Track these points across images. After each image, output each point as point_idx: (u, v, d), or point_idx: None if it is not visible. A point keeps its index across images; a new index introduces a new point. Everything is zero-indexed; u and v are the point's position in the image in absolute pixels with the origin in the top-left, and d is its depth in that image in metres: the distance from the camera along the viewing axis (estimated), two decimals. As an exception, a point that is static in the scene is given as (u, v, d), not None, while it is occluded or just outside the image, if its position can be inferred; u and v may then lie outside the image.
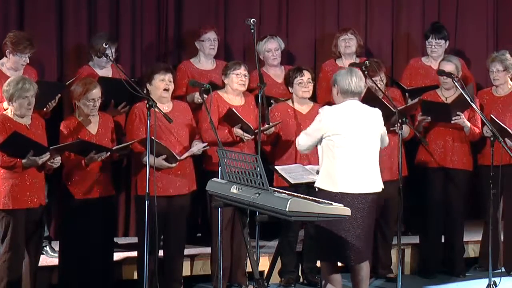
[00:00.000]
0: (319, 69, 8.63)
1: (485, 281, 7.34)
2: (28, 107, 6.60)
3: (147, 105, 6.69)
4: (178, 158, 6.99)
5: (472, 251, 8.47)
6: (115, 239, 7.72)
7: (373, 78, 7.44)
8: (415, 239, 8.30)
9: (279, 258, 7.29)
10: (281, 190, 5.91)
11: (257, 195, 5.69)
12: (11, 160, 6.53)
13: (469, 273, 8.16)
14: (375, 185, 6.41)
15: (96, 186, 6.94)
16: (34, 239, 6.76)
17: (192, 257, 7.70)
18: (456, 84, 7.57)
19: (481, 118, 7.68)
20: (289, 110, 7.60)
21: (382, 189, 6.49)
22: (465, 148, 8.00)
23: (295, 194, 5.76)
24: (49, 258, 7.47)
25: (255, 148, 7.42)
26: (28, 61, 7.21)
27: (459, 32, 9.55)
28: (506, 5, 9.74)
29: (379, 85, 7.54)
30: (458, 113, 7.76)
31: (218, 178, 6.37)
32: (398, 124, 7.15)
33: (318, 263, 6.83)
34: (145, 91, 7.03)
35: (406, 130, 7.60)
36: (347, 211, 5.77)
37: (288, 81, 7.63)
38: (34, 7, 8.05)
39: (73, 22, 8.21)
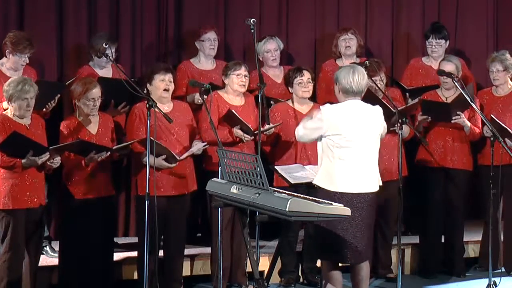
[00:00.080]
0: (319, 69, 8.63)
1: (485, 281, 7.34)
2: (27, 109, 6.60)
3: (147, 105, 6.69)
4: (178, 158, 6.99)
5: (472, 251, 8.47)
6: (115, 239, 7.72)
7: (373, 78, 7.44)
8: (415, 239, 8.30)
9: (279, 258, 7.29)
10: (281, 190, 5.90)
11: (257, 195, 5.69)
12: (11, 160, 6.53)
13: (469, 273, 8.16)
14: (374, 184, 6.40)
15: (96, 186, 6.93)
16: (34, 239, 6.76)
17: (192, 257, 7.70)
18: (456, 84, 7.57)
19: (481, 118, 7.68)
20: (289, 110, 7.60)
21: (381, 186, 6.48)
22: (465, 148, 8.00)
23: (295, 194, 5.75)
24: (49, 258, 7.47)
25: (255, 148, 7.42)
26: (27, 61, 7.20)
27: (459, 32, 9.56)
28: (506, 5, 9.74)
29: (379, 85, 7.54)
30: (458, 112, 7.76)
31: (218, 178, 6.37)
32: (398, 124, 7.16)
33: (318, 263, 6.83)
34: (145, 91, 7.03)
35: (406, 130, 7.60)
36: (347, 211, 5.77)
37: (288, 81, 7.63)
38: (34, 7, 8.05)
39: (73, 22, 8.21)
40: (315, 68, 8.73)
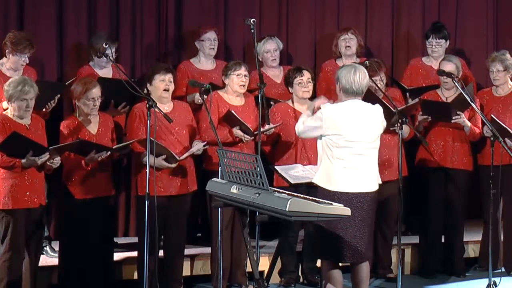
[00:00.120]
0: (319, 69, 8.63)
1: (485, 281, 7.34)
2: (26, 109, 6.60)
3: (147, 105, 6.69)
4: (178, 158, 6.99)
5: (472, 251, 8.47)
6: (115, 239, 7.72)
7: (373, 78, 7.43)
8: (415, 239, 8.30)
9: (279, 258, 7.29)
10: (281, 190, 5.90)
11: (257, 195, 5.69)
12: (11, 160, 6.53)
13: (469, 273, 8.16)
14: (374, 184, 6.40)
15: (96, 186, 6.93)
16: (34, 239, 6.75)
17: (192, 257, 7.70)
18: (456, 84, 7.57)
19: (481, 118, 7.68)
20: (289, 110, 7.60)
21: (381, 186, 6.49)
22: (465, 148, 8.00)
23: (295, 194, 5.75)
24: (49, 258, 7.47)
25: (255, 148, 7.42)
26: (27, 61, 7.20)
27: (459, 32, 9.55)
28: (506, 5, 9.74)
29: (379, 85, 7.54)
30: (458, 112, 7.76)
31: (218, 178, 6.37)
32: (398, 124, 7.16)
33: (318, 263, 6.83)
34: (145, 91, 7.03)
35: (406, 130, 7.60)
36: (347, 211, 5.76)
37: (288, 81, 7.62)
38: (34, 7, 8.06)
39: (73, 22, 8.21)
40: (315, 68, 8.74)
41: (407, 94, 8.36)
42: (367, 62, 7.31)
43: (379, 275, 7.92)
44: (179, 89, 7.80)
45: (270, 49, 8.19)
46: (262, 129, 7.24)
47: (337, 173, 6.28)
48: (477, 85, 8.75)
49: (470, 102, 7.33)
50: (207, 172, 7.36)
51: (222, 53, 8.58)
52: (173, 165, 7.01)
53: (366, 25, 9.30)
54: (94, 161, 6.82)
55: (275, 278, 7.65)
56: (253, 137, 7.35)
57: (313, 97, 7.83)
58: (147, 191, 6.65)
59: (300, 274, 7.80)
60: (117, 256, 7.43)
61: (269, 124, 7.38)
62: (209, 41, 8.08)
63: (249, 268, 7.15)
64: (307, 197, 5.79)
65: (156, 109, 6.73)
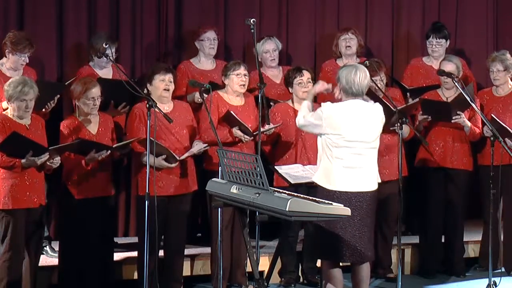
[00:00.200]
0: (319, 69, 8.63)
1: (485, 281, 7.34)
2: (26, 110, 6.60)
3: (147, 105, 6.69)
4: (178, 158, 6.99)
5: (472, 251, 8.47)
6: (115, 239, 7.72)
7: (373, 78, 7.42)
8: (415, 239, 8.29)
9: (279, 258, 7.29)
10: (281, 190, 5.90)
11: (257, 195, 5.69)
12: (11, 160, 6.53)
13: (469, 273, 8.16)
14: (373, 183, 6.40)
15: (96, 186, 6.93)
16: (34, 239, 6.75)
17: (192, 257, 7.69)
18: (456, 84, 7.57)
19: (481, 118, 7.67)
20: (289, 110, 7.60)
21: (381, 186, 6.48)
22: (465, 148, 8.00)
23: (295, 194, 5.75)
24: (49, 258, 7.47)
25: (255, 148, 7.42)
26: (27, 61, 7.20)
27: (459, 32, 9.55)
28: (506, 5, 9.74)
29: (379, 85, 7.54)
30: (458, 112, 7.76)
31: (218, 178, 6.37)
32: (398, 124, 7.16)
33: (318, 263, 6.82)
34: (145, 91, 7.03)
35: (406, 130, 7.59)
36: (347, 211, 5.76)
37: (288, 81, 7.62)
38: (34, 7, 8.06)
39: (73, 22, 8.20)
40: (315, 68, 8.73)
41: (408, 94, 8.36)
42: (367, 62, 7.31)
43: (379, 275, 7.92)
44: (179, 89, 7.80)
45: (269, 49, 8.19)
46: (262, 129, 7.24)
47: (336, 173, 6.28)
48: (477, 85, 8.75)
49: (470, 102, 7.33)
50: (207, 172, 7.36)
51: (222, 53, 8.58)
52: (173, 165, 7.01)
53: (366, 25, 9.30)
54: (94, 160, 6.82)
55: (275, 278, 7.65)
56: (252, 137, 7.35)
57: (313, 98, 7.84)
58: (147, 191, 6.65)
59: (300, 274, 7.80)
60: (117, 256, 7.43)
61: (269, 124, 7.37)
62: (209, 41, 8.08)
63: (249, 268, 7.15)
64: (307, 197, 5.79)
65: (156, 109, 6.72)
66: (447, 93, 7.99)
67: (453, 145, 7.95)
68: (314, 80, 7.77)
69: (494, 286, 7.29)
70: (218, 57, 8.28)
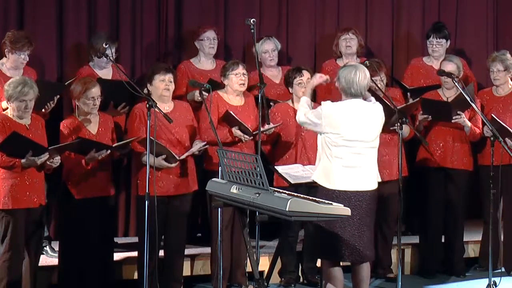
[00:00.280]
0: (319, 69, 8.62)
1: (485, 281, 7.34)
2: (25, 110, 6.60)
3: (147, 105, 6.69)
4: (178, 158, 6.99)
5: (472, 251, 8.47)
6: (115, 239, 7.72)
7: (373, 78, 7.42)
8: (415, 239, 8.29)
9: (279, 258, 7.29)
10: (281, 190, 5.90)
11: (257, 195, 5.69)
12: (11, 160, 6.53)
13: (469, 273, 8.16)
14: (373, 183, 6.40)
15: (96, 185, 6.93)
16: (34, 239, 6.75)
17: (192, 257, 7.69)
18: (456, 84, 7.57)
19: (481, 118, 7.67)
20: (289, 110, 7.60)
21: (381, 186, 6.48)
22: (465, 148, 7.99)
23: (295, 194, 5.75)
24: (49, 258, 7.47)
25: (255, 148, 7.42)
26: (27, 59, 7.20)
27: (459, 32, 9.55)
28: (506, 5, 9.74)
29: (379, 85, 7.54)
30: (458, 112, 7.75)
31: (218, 178, 6.37)
32: (398, 124, 7.15)
33: (318, 263, 6.82)
34: (145, 91, 7.03)
35: (406, 130, 7.59)
36: (347, 211, 5.76)
37: (288, 81, 7.63)
38: (34, 7, 8.05)
39: (73, 22, 8.21)
40: (315, 68, 8.73)
41: (408, 94, 8.36)
42: (367, 62, 7.31)
43: (379, 275, 7.92)
44: (179, 89, 7.79)
45: (268, 49, 8.19)
46: (262, 129, 7.24)
47: (336, 172, 6.28)
48: (478, 85, 8.75)
49: (470, 102, 7.33)
50: (207, 172, 7.36)
51: (222, 53, 8.58)
52: (173, 165, 7.01)
53: (366, 25, 9.30)
54: (94, 160, 6.82)
55: (275, 278, 7.65)
56: (252, 137, 7.35)
57: (313, 97, 7.84)
58: (147, 191, 6.65)
59: (300, 274, 7.80)
60: (117, 256, 7.43)
61: (269, 124, 7.37)
62: (209, 40, 8.08)
63: (249, 268, 7.15)
64: (307, 197, 5.79)
65: (156, 109, 6.72)
66: (448, 93, 7.99)
67: (453, 145, 7.95)
68: (314, 80, 7.78)
69: (494, 286, 7.29)
70: (218, 57, 8.28)
